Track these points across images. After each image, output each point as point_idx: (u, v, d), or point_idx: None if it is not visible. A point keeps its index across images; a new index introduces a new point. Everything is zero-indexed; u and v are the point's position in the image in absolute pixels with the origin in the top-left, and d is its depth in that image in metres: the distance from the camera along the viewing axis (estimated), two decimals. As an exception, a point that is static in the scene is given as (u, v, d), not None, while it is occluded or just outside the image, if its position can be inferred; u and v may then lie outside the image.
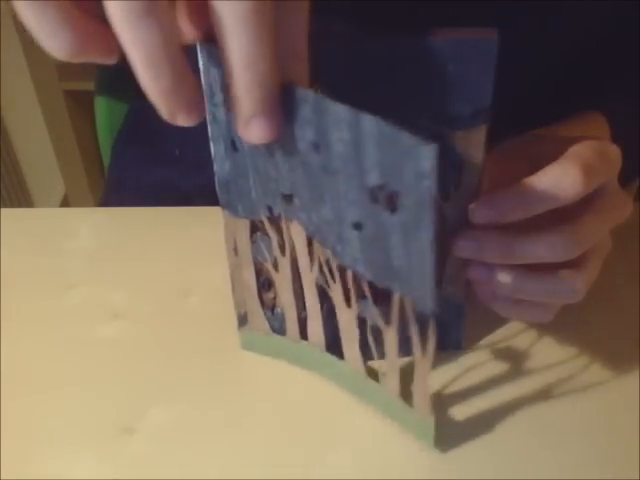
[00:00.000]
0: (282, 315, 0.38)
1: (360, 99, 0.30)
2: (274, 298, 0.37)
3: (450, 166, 0.32)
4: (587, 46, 0.45)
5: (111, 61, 0.26)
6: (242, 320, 0.38)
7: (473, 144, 0.32)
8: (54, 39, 0.24)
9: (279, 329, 0.38)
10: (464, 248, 0.34)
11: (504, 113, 0.31)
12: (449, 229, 0.34)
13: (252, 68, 0.24)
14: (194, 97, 0.25)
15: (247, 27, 0.23)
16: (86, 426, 0.35)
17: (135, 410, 0.36)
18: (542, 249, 0.32)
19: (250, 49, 0.24)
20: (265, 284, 0.37)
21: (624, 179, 0.35)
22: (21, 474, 0.33)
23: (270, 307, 0.38)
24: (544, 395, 0.37)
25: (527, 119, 0.38)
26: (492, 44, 0.29)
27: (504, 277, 0.34)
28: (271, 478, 0.33)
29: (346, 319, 0.34)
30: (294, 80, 0.26)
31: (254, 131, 0.26)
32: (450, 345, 0.39)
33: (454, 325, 0.38)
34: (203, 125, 0.29)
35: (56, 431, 0.35)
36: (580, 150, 0.33)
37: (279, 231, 0.34)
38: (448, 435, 0.35)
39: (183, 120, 0.26)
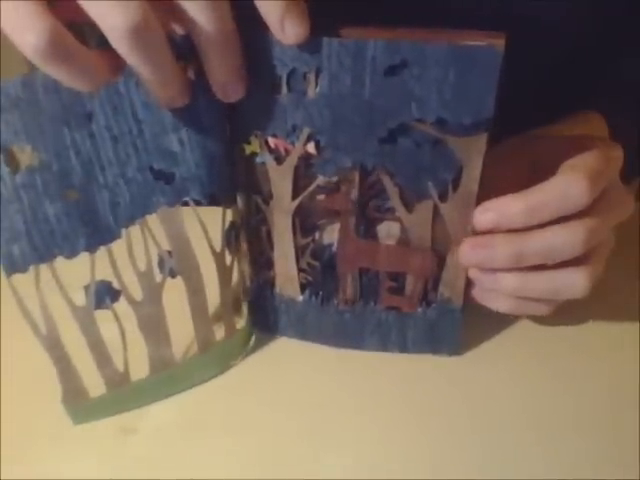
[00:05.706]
0: (281, 295, 0.39)
1: (357, 97, 0.30)
2: (274, 277, 0.38)
3: (449, 168, 0.32)
4: (585, 45, 0.45)
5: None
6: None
7: (473, 150, 0.31)
8: (78, 76, 0.27)
9: (277, 309, 0.39)
10: (473, 255, 0.33)
11: (501, 113, 0.30)
12: (447, 232, 0.34)
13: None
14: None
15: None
16: (86, 426, 0.35)
17: (136, 410, 0.36)
18: (548, 247, 0.32)
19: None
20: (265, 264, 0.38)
21: (624, 179, 0.35)
22: (21, 474, 0.33)
23: (270, 286, 0.39)
24: (543, 394, 0.37)
25: (525, 119, 0.38)
26: (497, 52, 0.28)
27: (508, 277, 0.34)
28: (271, 478, 0.33)
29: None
30: None
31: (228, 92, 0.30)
32: (446, 350, 0.39)
33: (451, 331, 0.38)
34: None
35: (56, 431, 0.35)
36: (585, 156, 0.33)
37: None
38: (447, 437, 0.35)
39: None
